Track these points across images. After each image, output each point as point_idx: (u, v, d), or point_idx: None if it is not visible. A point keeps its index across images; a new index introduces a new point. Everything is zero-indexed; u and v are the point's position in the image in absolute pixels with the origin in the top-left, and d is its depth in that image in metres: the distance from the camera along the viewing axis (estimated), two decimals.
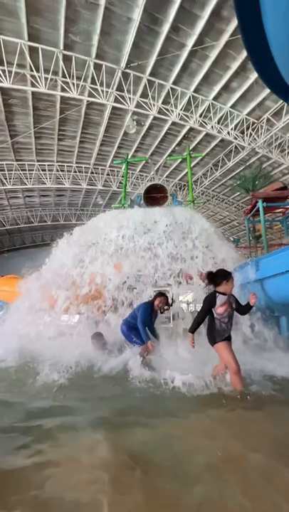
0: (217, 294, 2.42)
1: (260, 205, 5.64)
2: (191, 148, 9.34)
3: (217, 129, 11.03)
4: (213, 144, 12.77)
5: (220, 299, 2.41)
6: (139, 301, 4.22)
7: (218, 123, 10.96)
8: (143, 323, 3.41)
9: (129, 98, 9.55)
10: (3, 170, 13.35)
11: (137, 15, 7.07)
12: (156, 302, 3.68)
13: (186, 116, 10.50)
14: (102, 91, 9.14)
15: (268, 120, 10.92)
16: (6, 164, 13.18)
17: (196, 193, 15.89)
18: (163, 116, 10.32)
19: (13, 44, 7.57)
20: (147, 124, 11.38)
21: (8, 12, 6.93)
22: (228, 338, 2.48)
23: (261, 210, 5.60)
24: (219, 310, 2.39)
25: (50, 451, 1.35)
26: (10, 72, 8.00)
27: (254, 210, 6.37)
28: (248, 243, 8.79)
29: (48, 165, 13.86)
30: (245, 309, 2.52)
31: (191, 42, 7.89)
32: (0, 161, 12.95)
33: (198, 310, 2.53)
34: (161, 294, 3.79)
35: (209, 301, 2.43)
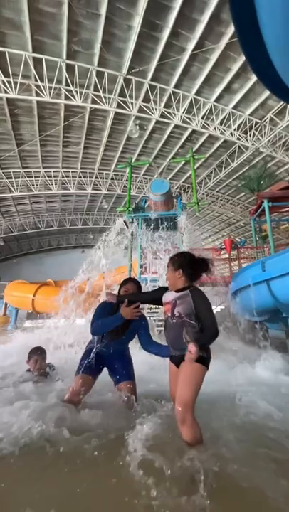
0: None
1: (265, 205, 5.61)
2: (194, 150, 9.34)
3: (220, 130, 11.03)
4: (216, 145, 12.76)
5: (166, 296, 1.76)
6: None
7: (221, 124, 10.96)
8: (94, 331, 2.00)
9: (132, 103, 9.67)
10: (11, 177, 13.68)
11: (137, 22, 7.19)
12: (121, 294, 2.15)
13: (189, 118, 10.55)
14: (105, 97, 9.30)
15: (272, 119, 10.85)
16: (13, 172, 13.51)
17: (200, 194, 15.87)
18: (165, 120, 10.40)
19: (18, 56, 7.81)
20: (150, 127, 11.47)
21: (13, 26, 7.17)
22: (175, 360, 1.64)
23: (267, 209, 5.57)
24: (163, 309, 1.77)
25: None
26: (15, 83, 8.25)
27: (260, 210, 6.33)
28: (254, 243, 8.70)
29: (53, 171, 14.13)
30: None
31: (191, 46, 7.96)
32: (7, 169, 13.29)
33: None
34: (130, 280, 2.30)
35: (160, 290, 1.89)
